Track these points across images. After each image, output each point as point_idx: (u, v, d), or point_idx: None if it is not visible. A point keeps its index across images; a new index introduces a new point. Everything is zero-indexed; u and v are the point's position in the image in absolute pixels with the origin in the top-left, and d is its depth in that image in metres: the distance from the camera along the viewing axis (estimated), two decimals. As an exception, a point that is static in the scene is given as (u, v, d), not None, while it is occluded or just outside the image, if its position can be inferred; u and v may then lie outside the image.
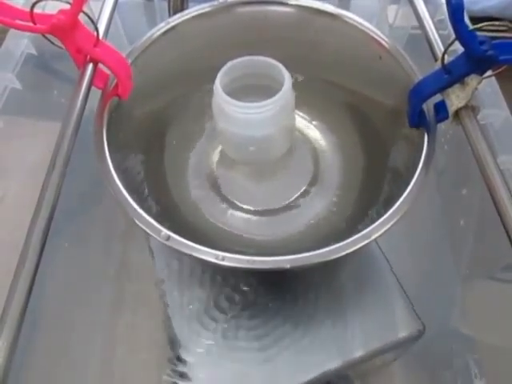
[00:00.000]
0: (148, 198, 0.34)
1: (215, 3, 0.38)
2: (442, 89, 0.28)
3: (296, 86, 0.37)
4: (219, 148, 0.41)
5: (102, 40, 0.31)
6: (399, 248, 0.37)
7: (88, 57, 0.30)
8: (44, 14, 0.29)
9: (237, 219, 0.37)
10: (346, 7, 0.50)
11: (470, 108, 0.27)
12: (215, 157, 0.41)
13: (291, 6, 0.38)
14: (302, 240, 0.35)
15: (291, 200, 0.38)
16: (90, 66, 0.30)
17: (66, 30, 0.28)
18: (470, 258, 0.34)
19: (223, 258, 0.26)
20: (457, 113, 0.28)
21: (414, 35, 0.48)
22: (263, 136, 0.35)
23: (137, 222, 0.27)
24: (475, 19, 0.54)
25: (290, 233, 0.36)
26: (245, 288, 0.34)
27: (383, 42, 0.35)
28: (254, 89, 0.38)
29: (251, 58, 0.36)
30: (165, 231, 0.27)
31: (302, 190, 0.39)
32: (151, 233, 0.27)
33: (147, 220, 0.27)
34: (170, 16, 0.41)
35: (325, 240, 0.34)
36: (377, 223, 0.27)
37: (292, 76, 0.37)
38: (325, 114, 0.42)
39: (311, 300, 0.34)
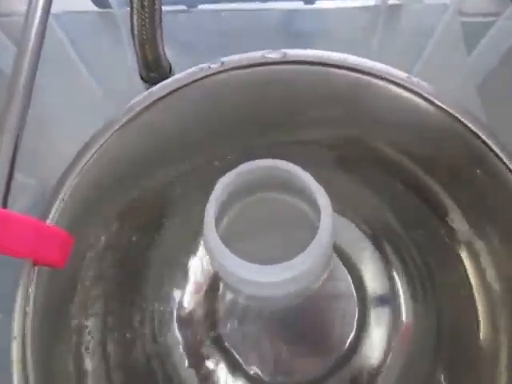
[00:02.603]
0: None
1: (203, 66, 0.24)
2: None
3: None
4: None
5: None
6: None
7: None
8: None
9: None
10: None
11: None
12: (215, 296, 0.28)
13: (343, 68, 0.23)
14: None
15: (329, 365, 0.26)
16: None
17: None
18: None
19: None
20: None
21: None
22: (288, 294, 0.23)
23: None
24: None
25: None
26: None
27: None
28: (264, 185, 0.25)
29: (260, 164, 0.23)
30: None
31: (341, 354, 0.26)
32: None
33: None
34: (139, 69, 0.27)
35: None
36: None
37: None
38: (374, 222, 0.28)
39: None
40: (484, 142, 0.22)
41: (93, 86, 0.36)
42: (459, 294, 0.25)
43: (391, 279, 0.27)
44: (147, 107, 0.23)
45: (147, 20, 0.28)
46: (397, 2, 0.36)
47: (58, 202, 0.22)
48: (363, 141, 0.26)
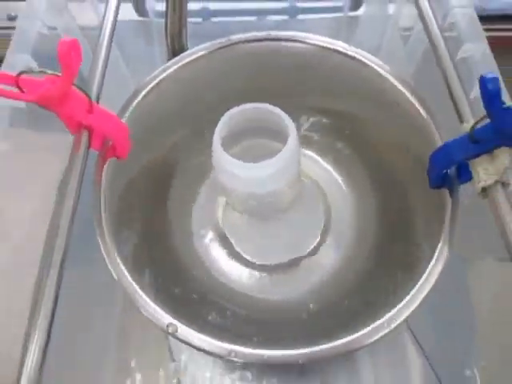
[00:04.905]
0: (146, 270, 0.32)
1: (217, 42, 0.36)
2: (468, 158, 0.26)
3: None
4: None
5: (96, 104, 0.28)
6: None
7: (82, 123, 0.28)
8: (33, 79, 0.26)
9: (243, 275, 0.36)
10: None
11: (500, 184, 0.25)
12: (220, 206, 0.39)
13: (305, 43, 0.35)
14: (314, 300, 0.34)
15: (300, 255, 0.37)
16: (85, 133, 0.28)
17: (56, 101, 0.26)
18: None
19: (235, 355, 0.24)
20: (484, 186, 0.26)
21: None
22: (267, 192, 0.33)
23: (144, 313, 0.25)
24: (489, 18, 0.50)
25: (299, 293, 0.35)
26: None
27: (401, 88, 0.33)
28: (257, 131, 0.36)
29: (252, 106, 0.34)
30: (174, 324, 0.25)
31: (313, 245, 0.37)
32: (159, 325, 0.25)
33: (155, 310, 0.26)
34: (168, 56, 0.39)
35: (335, 305, 0.33)
36: (401, 304, 0.25)
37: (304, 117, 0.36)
38: (337, 157, 0.40)
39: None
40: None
41: (127, 75, 0.48)
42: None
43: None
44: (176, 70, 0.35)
45: (176, 19, 0.40)
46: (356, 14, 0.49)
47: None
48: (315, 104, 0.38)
